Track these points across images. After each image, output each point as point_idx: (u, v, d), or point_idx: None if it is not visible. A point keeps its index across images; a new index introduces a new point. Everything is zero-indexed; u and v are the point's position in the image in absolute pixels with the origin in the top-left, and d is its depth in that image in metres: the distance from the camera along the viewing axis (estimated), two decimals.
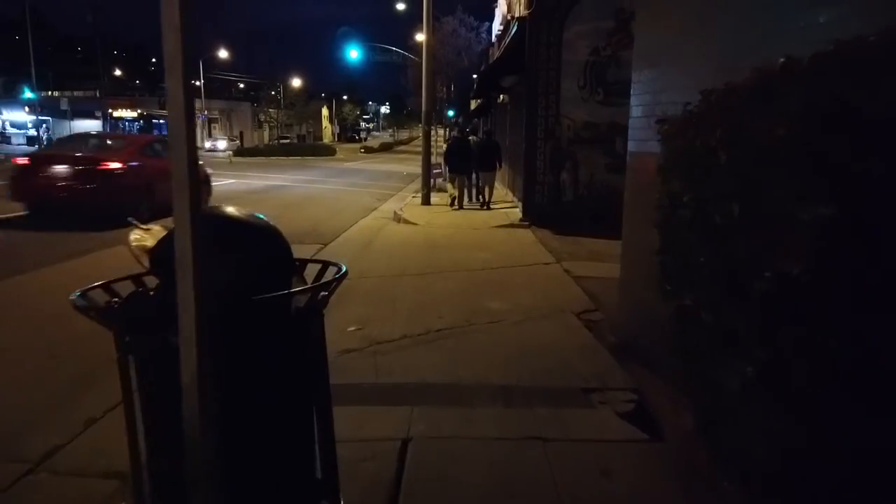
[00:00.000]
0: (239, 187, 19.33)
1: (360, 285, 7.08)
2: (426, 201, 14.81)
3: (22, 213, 10.95)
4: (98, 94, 57.28)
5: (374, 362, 4.39)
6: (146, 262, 1.90)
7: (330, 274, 2.29)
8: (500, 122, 19.70)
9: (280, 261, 2.06)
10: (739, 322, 2.00)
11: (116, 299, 2.08)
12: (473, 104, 24.34)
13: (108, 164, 11.02)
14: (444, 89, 23.92)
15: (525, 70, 11.60)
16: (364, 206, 15.25)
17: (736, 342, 2.02)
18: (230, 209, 2.07)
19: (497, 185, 19.99)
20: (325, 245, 9.69)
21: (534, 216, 11.58)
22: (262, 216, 2.27)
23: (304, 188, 20.37)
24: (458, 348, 4.73)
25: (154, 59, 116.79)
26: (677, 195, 2.51)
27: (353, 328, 5.46)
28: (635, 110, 4.60)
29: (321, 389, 2.20)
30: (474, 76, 27.01)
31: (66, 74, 72.23)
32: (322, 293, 2.08)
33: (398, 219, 12.70)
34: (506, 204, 15.14)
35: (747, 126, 1.99)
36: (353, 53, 32.63)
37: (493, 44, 22.11)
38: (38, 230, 9.95)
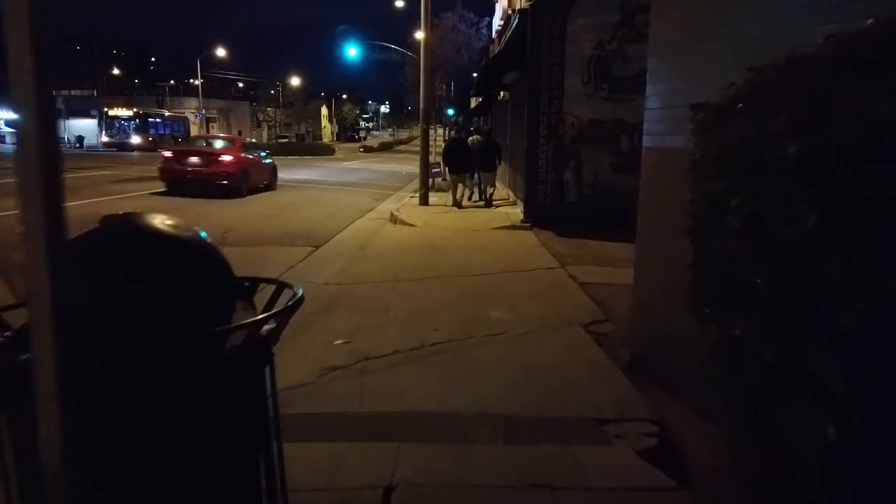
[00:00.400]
0: None
1: (351, 292, 6.62)
2: (424, 202, 14.33)
3: (162, 189, 15.88)
4: (95, 94, 56.87)
5: (360, 384, 3.91)
6: (21, 285, 1.42)
7: (284, 299, 1.82)
8: (501, 120, 19.21)
9: (214, 285, 1.59)
10: (818, 366, 1.51)
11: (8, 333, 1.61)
12: (474, 102, 23.83)
13: (224, 156, 16.21)
14: (444, 87, 23.32)
15: (527, 65, 11.12)
16: (361, 207, 14.77)
17: (811, 391, 1.53)
18: (147, 218, 1.58)
19: (498, 184, 19.57)
20: (318, 248, 9.21)
21: (536, 217, 11.10)
22: (203, 233, 1.79)
23: (300, 188, 19.88)
24: (454, 367, 4.25)
25: (153, 59, 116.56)
26: (720, 198, 2.03)
27: (340, 341, 4.99)
28: (651, 101, 4.12)
29: (267, 443, 1.73)
30: (475, 74, 26.51)
31: (67, 74, 71.89)
32: (267, 326, 1.60)
33: (395, 220, 12.22)
34: (507, 204, 14.67)
35: (829, 106, 1.50)
36: (352, 51, 32.29)
37: (493, 40, 21.61)
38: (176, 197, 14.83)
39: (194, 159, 16.05)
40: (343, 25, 33.33)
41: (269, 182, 18.24)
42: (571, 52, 10.84)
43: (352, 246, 9.42)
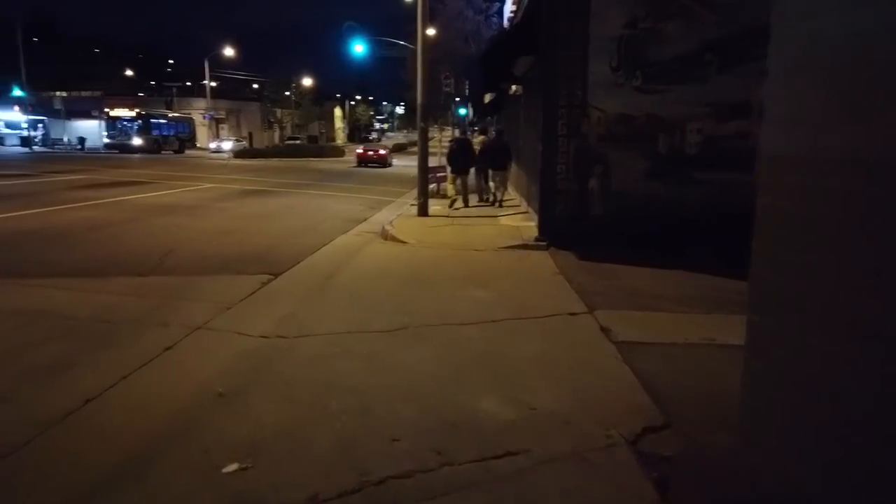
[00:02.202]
0: (208, 194, 17.01)
1: (292, 353, 4.65)
2: (423, 212, 12.34)
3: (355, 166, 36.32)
4: (102, 94, 55.72)
5: None
6: None
7: None
8: (514, 118, 17.18)
9: None
10: None
11: None
12: (489, 98, 21.75)
13: (380, 151, 39.10)
14: (451, 82, 21.14)
15: (541, 48, 9.12)
16: (350, 217, 12.84)
17: None
18: None
19: (510, 190, 17.62)
20: (276, 276, 7.25)
21: (553, 234, 9.08)
22: None
23: (288, 193, 18.00)
24: None
25: (171, 61, 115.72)
26: None
27: (233, 467, 3.04)
28: (783, 56, 2.10)
29: None
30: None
31: (79, 75, 70.87)
32: None
33: (385, 235, 10.28)
34: (518, 211, 12.64)
35: None
36: (359, 48, 31.22)
37: (505, 29, 19.55)
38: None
39: (370, 152, 37.77)
40: (350, 22, 31.91)
41: (391, 162, 37.68)
42: (597, 31, 8.80)
43: (319, 273, 7.46)
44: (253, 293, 6.44)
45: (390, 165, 37.24)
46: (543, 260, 8.23)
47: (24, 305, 5.52)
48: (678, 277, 7.21)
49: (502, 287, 6.74)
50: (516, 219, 12.04)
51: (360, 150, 38.85)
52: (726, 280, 7.02)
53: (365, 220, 12.74)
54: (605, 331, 5.04)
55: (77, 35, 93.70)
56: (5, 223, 10.08)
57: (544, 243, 9.02)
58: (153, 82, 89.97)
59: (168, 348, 4.63)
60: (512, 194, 17.50)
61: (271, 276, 7.20)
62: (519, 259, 8.32)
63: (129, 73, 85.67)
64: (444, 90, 21.48)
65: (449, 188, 14.36)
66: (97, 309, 5.52)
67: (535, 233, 9.64)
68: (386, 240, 10.06)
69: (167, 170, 26.17)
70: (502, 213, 12.91)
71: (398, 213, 13.26)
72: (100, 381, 3.97)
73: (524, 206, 13.49)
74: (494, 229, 10.89)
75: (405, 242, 9.63)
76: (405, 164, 36.82)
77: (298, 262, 8.08)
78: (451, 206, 13.73)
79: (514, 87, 14.42)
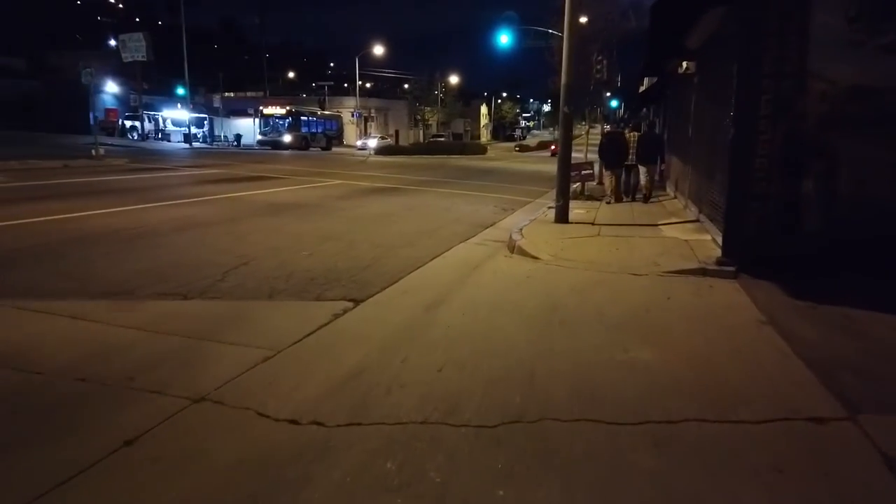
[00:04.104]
0: (332, 191, 15.86)
1: (318, 470, 2.77)
2: (562, 217, 10.06)
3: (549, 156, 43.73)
4: (265, 94, 59.01)
5: None
6: None
7: None
8: (680, 104, 14.30)
9: None
10: None
11: None
12: (646, 83, 18.79)
13: (553, 146, 41.02)
14: (603, 66, 18.29)
15: None
16: (476, 222, 10.89)
17: None
18: None
19: (668, 190, 14.99)
20: (358, 303, 5.44)
21: (744, 256, 6.48)
22: None
23: (416, 192, 16.45)
24: None
25: (332, 64, 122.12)
26: None
27: None
28: None
29: None
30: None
31: (250, 77, 76.22)
32: None
33: (512, 246, 8.21)
34: (688, 224, 9.93)
35: None
36: (504, 38, 29.82)
37: None
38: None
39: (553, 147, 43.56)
40: (509, 12, 30.55)
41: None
42: None
43: (415, 302, 5.54)
44: (316, 330, 4.66)
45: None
46: (735, 296, 5.68)
47: None
48: None
49: (678, 344, 4.38)
50: (684, 230, 9.38)
51: (553, 146, 49.06)
52: None
53: (493, 224, 10.77)
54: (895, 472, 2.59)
55: (254, 43, 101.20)
56: (87, 221, 9.19)
57: (731, 268, 6.43)
58: (313, 84, 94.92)
59: (129, 442, 2.90)
60: (668, 193, 14.79)
61: (351, 304, 5.40)
62: (697, 292, 5.84)
63: (291, 75, 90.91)
64: (594, 77, 18.78)
65: (606, 181, 14.46)
66: (88, 354, 3.98)
67: (716, 252, 7.05)
68: (513, 252, 7.99)
69: (305, 166, 25.95)
70: (664, 222, 10.30)
71: (533, 217, 11.10)
72: None
73: (692, 212, 10.72)
74: (656, 243, 8.36)
75: (536, 258, 7.48)
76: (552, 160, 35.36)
77: (396, 282, 6.24)
78: (606, 202, 13.59)
79: (684, 65, 11.68)
